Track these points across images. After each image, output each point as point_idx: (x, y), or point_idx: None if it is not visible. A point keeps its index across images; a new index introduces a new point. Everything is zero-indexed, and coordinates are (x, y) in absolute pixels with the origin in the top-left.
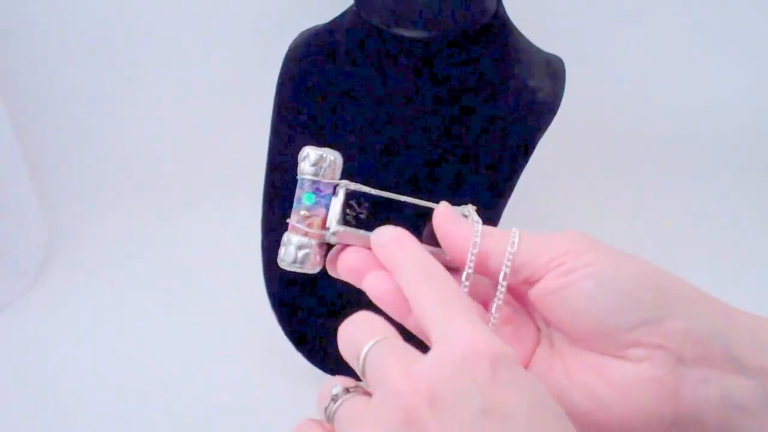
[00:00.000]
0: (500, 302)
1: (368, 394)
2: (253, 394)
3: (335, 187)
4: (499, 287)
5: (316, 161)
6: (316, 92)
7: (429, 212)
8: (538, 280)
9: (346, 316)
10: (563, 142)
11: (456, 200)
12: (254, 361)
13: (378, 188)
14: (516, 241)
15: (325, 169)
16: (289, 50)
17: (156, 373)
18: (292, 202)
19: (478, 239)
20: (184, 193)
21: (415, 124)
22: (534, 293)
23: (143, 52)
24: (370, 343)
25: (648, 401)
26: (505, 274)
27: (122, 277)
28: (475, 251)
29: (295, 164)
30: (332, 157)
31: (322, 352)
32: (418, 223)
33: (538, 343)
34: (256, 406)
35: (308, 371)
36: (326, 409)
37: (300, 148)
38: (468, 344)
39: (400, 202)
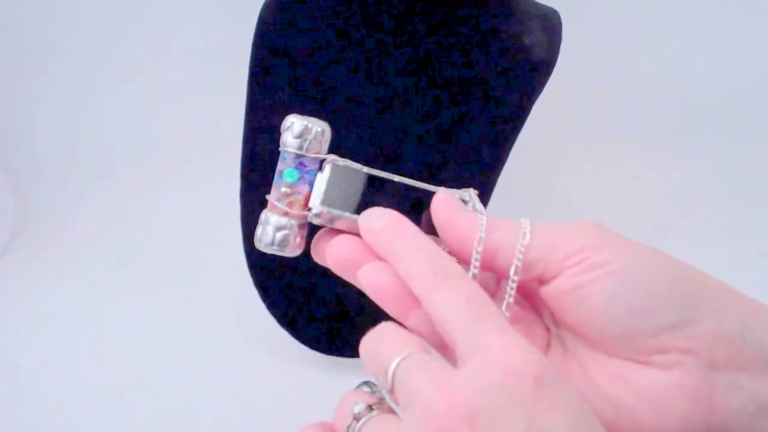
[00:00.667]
0: (511, 299)
1: (392, 411)
2: (236, 375)
3: (321, 162)
4: (509, 284)
5: (300, 132)
6: (292, 49)
7: (425, 197)
8: (552, 278)
9: (331, 289)
10: (557, 103)
11: (446, 173)
12: (237, 339)
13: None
14: (527, 233)
15: (310, 142)
16: (264, 7)
17: (132, 357)
18: (270, 171)
19: (483, 234)
20: (159, 166)
21: (396, 89)
22: (547, 291)
23: (114, 24)
24: (398, 358)
25: (678, 411)
26: (517, 268)
27: (95, 258)
28: (480, 249)
29: (273, 128)
30: (319, 129)
31: (308, 329)
32: (413, 208)
33: (548, 345)
34: (238, 387)
35: (296, 348)
36: (348, 427)
37: (277, 111)
38: (508, 359)
39: (393, 183)
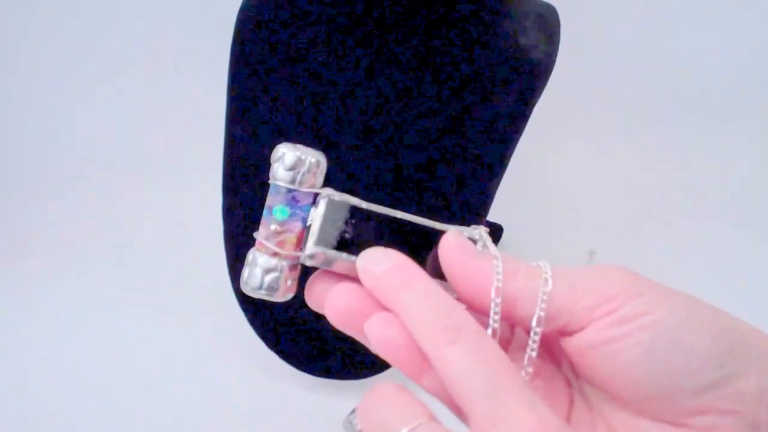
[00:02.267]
0: (534, 353)
1: None
2: (214, 381)
3: (316, 196)
4: (532, 336)
5: (293, 164)
6: (275, 50)
7: (430, 235)
8: (577, 330)
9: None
10: (556, 102)
11: (446, 169)
12: (229, 343)
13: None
14: (549, 279)
15: (303, 175)
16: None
17: (118, 364)
18: (253, 182)
19: (500, 282)
20: (141, 170)
21: (396, 84)
22: (571, 344)
23: (101, 25)
24: (405, 429)
25: None
26: (540, 319)
27: (85, 262)
28: (499, 300)
29: (256, 137)
30: (313, 160)
31: (296, 350)
32: (417, 246)
33: (571, 402)
34: (216, 393)
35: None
36: None
37: (260, 117)
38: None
39: (395, 219)
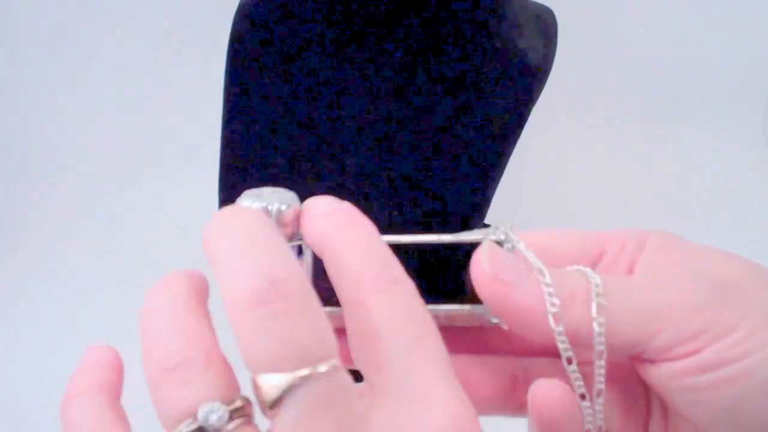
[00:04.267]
0: (601, 386)
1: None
2: None
3: (299, 246)
4: (596, 369)
5: None
6: (270, 48)
7: (454, 250)
8: (651, 363)
9: None
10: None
11: (442, 168)
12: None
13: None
14: (600, 297)
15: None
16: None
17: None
18: (249, 180)
19: (555, 308)
20: (134, 168)
21: (391, 82)
22: (648, 372)
23: (85, 22)
24: (291, 376)
25: None
26: (601, 353)
27: (77, 259)
28: (561, 329)
29: (250, 135)
30: (282, 207)
31: None
32: (442, 267)
33: (649, 412)
34: None
35: None
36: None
37: (255, 114)
38: (455, 419)
39: (402, 244)
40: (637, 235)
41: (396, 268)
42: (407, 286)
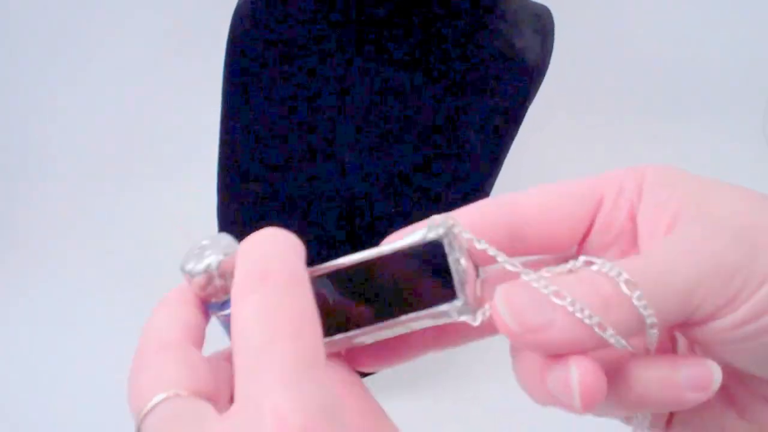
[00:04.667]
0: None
1: None
2: None
3: None
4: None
5: (204, 282)
6: (270, 47)
7: (390, 263)
8: (697, 324)
9: None
10: (553, 102)
11: (442, 166)
12: (211, 345)
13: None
14: (640, 296)
15: (218, 287)
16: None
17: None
18: (247, 180)
19: (595, 321)
20: (134, 169)
21: (391, 81)
22: (691, 334)
23: (84, 22)
24: (156, 399)
25: None
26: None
27: (76, 261)
28: (612, 332)
29: (250, 135)
30: (213, 263)
31: None
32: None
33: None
34: None
35: None
36: None
37: (254, 114)
38: (275, 412)
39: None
40: (633, 174)
41: (272, 260)
42: (280, 276)
